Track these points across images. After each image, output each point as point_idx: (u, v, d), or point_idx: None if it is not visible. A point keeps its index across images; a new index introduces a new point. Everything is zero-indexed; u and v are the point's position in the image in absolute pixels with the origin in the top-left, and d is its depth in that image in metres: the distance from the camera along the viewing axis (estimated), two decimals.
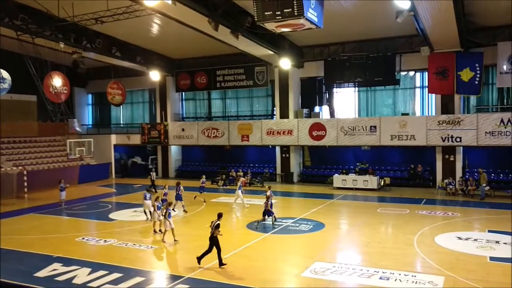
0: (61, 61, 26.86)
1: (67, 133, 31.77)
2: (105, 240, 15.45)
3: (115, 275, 11.63)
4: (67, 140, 28.87)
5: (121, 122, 39.46)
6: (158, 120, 35.21)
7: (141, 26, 25.30)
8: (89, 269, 12.12)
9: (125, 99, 32.87)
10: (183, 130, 33.39)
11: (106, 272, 11.89)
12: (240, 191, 21.51)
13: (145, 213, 18.79)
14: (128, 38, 28.51)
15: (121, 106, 35.50)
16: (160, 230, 16.05)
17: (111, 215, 20.16)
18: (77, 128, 32.04)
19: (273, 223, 17.28)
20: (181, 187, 20.48)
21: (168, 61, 33.66)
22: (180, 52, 32.51)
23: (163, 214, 15.24)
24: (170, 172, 35.16)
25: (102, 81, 34.47)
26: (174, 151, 35.56)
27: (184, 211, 20.23)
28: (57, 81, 26.68)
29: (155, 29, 26.69)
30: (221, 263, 12.19)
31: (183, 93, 35.88)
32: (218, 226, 12.23)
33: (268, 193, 17.68)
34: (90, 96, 40.56)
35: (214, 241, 12.18)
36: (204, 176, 24.59)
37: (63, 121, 31.05)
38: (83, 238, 15.85)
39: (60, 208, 21.86)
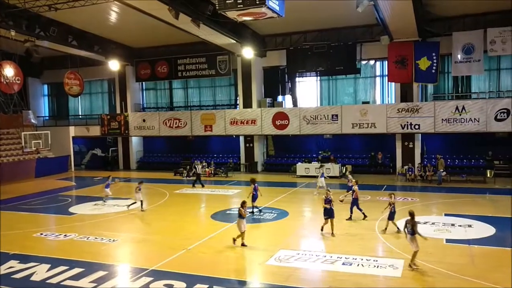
0: (13, 49, 25.65)
1: (22, 125, 30.54)
2: (65, 235, 14.98)
3: (76, 270, 11.30)
4: (22, 132, 27.74)
5: (80, 113, 38.23)
6: (118, 111, 34.37)
7: (99, 14, 24.42)
8: (48, 265, 11.70)
9: (83, 89, 31.90)
10: (144, 120, 32.75)
11: (67, 267, 11.52)
12: (322, 178, 20.90)
13: (141, 203, 18.43)
14: (85, 26, 27.47)
15: (79, 97, 34.40)
16: (242, 243, 13.13)
17: (71, 209, 19.55)
18: (33, 120, 30.89)
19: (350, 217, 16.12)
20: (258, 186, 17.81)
21: (127, 50, 32.79)
22: (140, 41, 31.72)
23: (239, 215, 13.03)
24: (132, 164, 34.50)
25: (59, 71, 33.15)
26: (135, 142, 34.88)
27: (253, 212, 17.56)
28: (9, 71, 25.56)
29: (113, 17, 25.83)
30: None
31: (144, 82, 35.15)
32: None
33: (355, 188, 16.28)
34: (45, 86, 39.01)
35: None
36: None
37: (17, 113, 29.78)
38: (41, 234, 15.28)
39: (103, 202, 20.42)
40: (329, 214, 14.02)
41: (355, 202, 16.05)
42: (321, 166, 21.77)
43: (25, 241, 14.40)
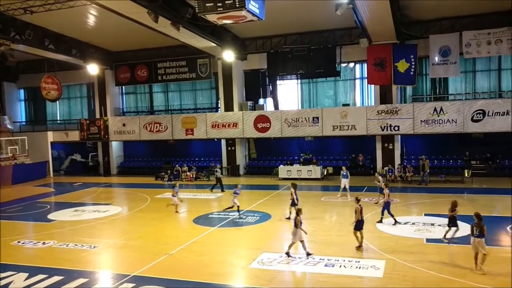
0: None
1: None
2: (43, 242, 14.67)
3: (56, 278, 11.07)
4: None
5: (58, 118, 37.58)
6: (98, 116, 33.90)
7: (76, 17, 24.07)
8: (26, 274, 11.43)
9: (61, 94, 31.22)
10: (124, 125, 32.38)
11: (46, 275, 11.27)
12: (345, 179, 20.33)
13: (238, 208, 17.48)
14: (62, 29, 27.04)
15: (57, 102, 33.77)
16: (287, 253, 12.22)
17: (50, 216, 19.17)
18: (9, 126, 30.27)
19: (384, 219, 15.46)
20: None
21: (106, 53, 32.42)
22: (119, 44, 31.40)
23: (295, 224, 12.06)
24: (112, 168, 34.04)
25: (35, 75, 32.55)
26: (115, 147, 34.45)
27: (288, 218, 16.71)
28: None
29: (91, 20, 25.49)
30: None
31: (123, 86, 34.78)
32: None
33: (385, 191, 15.48)
34: (22, 91, 38.23)
35: None
36: None
37: None
38: (19, 242, 14.93)
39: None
40: (356, 223, 12.91)
41: (386, 206, 15.51)
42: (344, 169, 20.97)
43: (3, 250, 14.02)
